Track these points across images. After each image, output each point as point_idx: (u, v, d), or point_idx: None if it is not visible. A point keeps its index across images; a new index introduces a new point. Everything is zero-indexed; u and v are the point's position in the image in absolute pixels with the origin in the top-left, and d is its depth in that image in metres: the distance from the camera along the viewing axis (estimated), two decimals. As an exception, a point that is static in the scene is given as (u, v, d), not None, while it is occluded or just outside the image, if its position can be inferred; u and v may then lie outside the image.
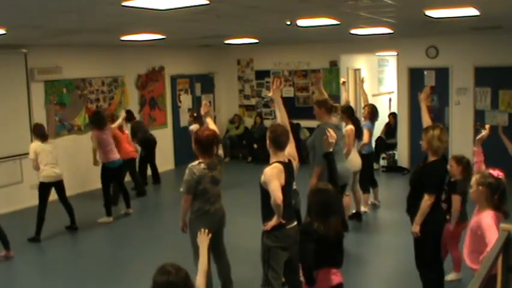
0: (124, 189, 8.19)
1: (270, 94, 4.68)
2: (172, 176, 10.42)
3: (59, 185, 7.16)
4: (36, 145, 6.98)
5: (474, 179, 3.74)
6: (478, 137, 4.54)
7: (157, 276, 2.51)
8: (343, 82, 8.38)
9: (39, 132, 7.04)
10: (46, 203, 7.01)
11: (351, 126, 7.00)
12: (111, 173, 7.84)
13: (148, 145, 9.76)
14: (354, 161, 7.04)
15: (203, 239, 3.27)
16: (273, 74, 12.33)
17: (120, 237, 7.39)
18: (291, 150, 4.37)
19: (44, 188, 7.01)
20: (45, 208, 6.98)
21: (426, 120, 4.90)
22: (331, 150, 4.20)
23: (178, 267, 2.56)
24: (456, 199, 4.98)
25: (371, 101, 9.12)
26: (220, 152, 4.88)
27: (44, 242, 6.96)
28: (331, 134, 4.16)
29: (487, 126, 4.75)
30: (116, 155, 7.87)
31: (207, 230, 3.32)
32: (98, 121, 7.83)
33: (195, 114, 9.47)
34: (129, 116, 9.49)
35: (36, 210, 6.93)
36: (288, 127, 4.45)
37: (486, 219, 3.55)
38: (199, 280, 3.01)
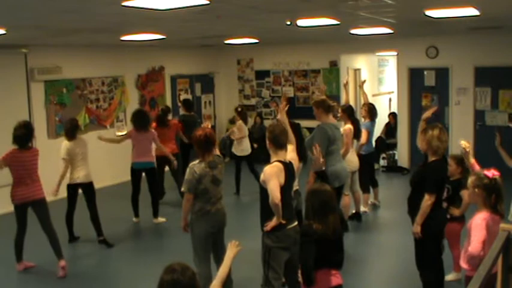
0: (154, 194, 7.86)
1: (278, 117, 4.85)
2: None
3: (87, 188, 6.76)
4: (66, 144, 6.65)
5: (470, 181, 3.71)
6: (464, 153, 4.39)
7: (164, 275, 2.52)
8: (346, 83, 8.35)
9: (65, 131, 6.75)
10: (74, 205, 6.81)
11: (349, 126, 6.97)
12: (135, 174, 7.67)
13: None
14: (352, 161, 7.02)
15: (232, 248, 3.31)
16: (273, 74, 12.36)
17: (121, 238, 7.40)
18: (293, 154, 4.42)
19: (70, 190, 6.75)
20: (73, 211, 6.82)
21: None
22: (323, 169, 4.29)
23: (186, 266, 2.56)
24: (466, 193, 4.95)
25: (371, 101, 9.11)
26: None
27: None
28: (317, 150, 4.21)
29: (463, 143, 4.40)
30: (143, 158, 7.56)
31: (237, 242, 3.36)
32: (138, 121, 7.58)
33: None
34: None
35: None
36: (294, 144, 4.57)
37: (477, 220, 3.56)
38: (216, 282, 3.03)
